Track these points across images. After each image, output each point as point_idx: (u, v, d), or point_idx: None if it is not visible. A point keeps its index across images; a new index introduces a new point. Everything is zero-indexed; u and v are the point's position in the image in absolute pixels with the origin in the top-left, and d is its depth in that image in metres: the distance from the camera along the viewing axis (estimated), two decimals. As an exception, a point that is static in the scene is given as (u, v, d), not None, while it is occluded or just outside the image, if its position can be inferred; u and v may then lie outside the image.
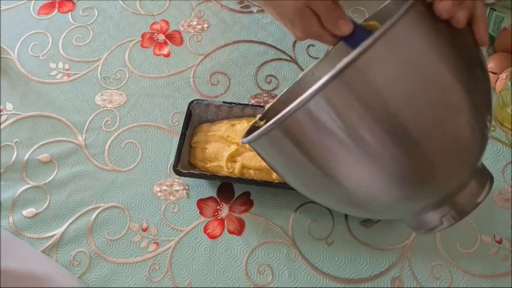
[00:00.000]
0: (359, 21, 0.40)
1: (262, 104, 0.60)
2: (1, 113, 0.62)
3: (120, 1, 0.72)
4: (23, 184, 0.57)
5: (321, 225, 0.52)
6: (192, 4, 0.71)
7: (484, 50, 0.61)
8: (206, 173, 0.53)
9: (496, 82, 0.57)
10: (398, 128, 0.27)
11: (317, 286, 0.49)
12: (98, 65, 0.66)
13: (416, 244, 0.51)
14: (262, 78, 0.63)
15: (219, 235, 0.52)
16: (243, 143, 0.35)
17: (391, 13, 0.36)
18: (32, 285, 0.44)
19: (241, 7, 0.70)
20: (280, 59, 0.64)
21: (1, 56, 0.67)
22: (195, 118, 0.57)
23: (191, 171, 0.53)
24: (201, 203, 0.55)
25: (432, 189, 0.32)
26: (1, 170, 0.58)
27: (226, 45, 0.66)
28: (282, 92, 0.44)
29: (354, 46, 0.38)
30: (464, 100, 0.29)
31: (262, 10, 0.69)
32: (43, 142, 0.60)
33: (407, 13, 0.26)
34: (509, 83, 0.51)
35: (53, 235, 0.54)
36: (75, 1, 0.72)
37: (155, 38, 0.68)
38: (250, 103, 0.60)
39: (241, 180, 0.52)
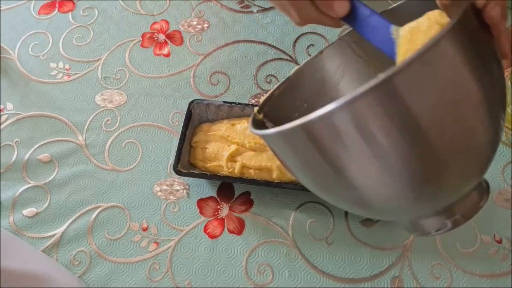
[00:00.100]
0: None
1: (262, 104, 0.60)
2: (2, 112, 0.63)
3: (121, 1, 0.72)
4: (24, 184, 0.57)
5: (321, 225, 0.52)
6: (192, 4, 0.71)
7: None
8: (206, 173, 0.53)
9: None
10: (424, 143, 0.27)
11: (317, 286, 0.49)
12: (98, 65, 0.66)
13: (416, 244, 0.51)
14: (262, 78, 0.63)
15: (219, 235, 0.53)
16: (254, 133, 0.34)
17: (404, 12, 0.35)
18: (32, 284, 0.44)
19: (241, 7, 0.70)
20: (280, 59, 0.64)
21: (2, 56, 0.67)
22: (195, 118, 0.57)
23: (191, 171, 0.53)
24: (201, 202, 0.55)
25: (445, 195, 0.32)
26: (2, 170, 0.58)
27: (226, 45, 0.66)
28: (276, 86, 0.43)
29: (355, 27, 0.37)
30: (486, 112, 0.29)
31: (263, 10, 0.69)
32: (44, 142, 0.60)
33: (454, 27, 0.26)
34: (509, 83, 0.51)
35: (54, 235, 0.54)
36: (75, 1, 0.72)
37: (155, 38, 0.68)
38: (250, 103, 0.60)
39: (241, 179, 0.52)
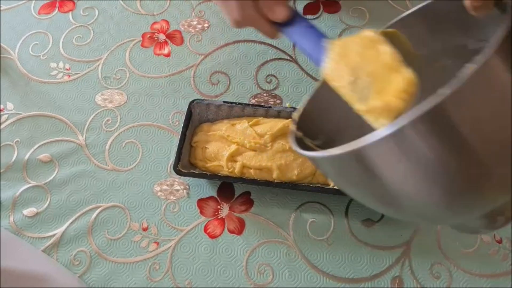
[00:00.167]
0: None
1: (262, 104, 0.60)
2: (2, 112, 0.63)
3: (121, 1, 0.72)
4: (24, 184, 0.57)
5: (321, 225, 0.52)
6: (193, 4, 0.71)
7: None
8: (207, 173, 0.53)
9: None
10: (471, 157, 0.27)
11: (317, 286, 0.49)
12: (98, 65, 0.66)
13: (416, 244, 0.51)
14: (262, 77, 0.63)
15: (220, 235, 0.53)
16: (300, 153, 0.34)
17: (413, 22, 0.35)
18: (33, 284, 0.44)
19: (242, 7, 0.70)
20: (280, 58, 0.64)
21: (2, 55, 0.67)
22: (196, 118, 0.57)
23: (192, 171, 0.53)
24: (201, 202, 0.55)
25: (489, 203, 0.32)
26: (2, 170, 0.58)
27: (226, 44, 0.66)
28: (307, 99, 0.42)
29: (291, 38, 0.39)
30: None
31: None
32: (44, 142, 0.60)
33: (501, 44, 0.26)
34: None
35: (54, 235, 0.54)
36: (75, 1, 0.72)
37: (156, 38, 0.68)
38: (251, 103, 0.60)
39: (241, 179, 0.52)
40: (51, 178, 0.57)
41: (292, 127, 0.39)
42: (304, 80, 0.62)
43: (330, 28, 0.66)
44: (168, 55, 0.66)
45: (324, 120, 0.42)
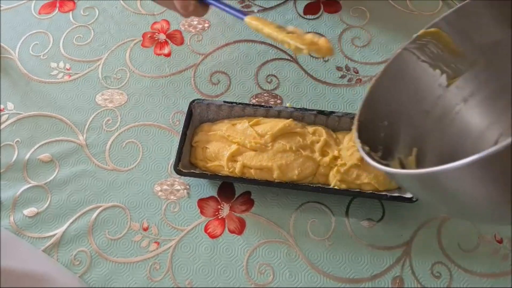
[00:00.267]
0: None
1: (263, 104, 0.60)
2: (2, 112, 0.63)
3: (121, 1, 0.72)
4: (24, 184, 0.57)
5: (321, 225, 0.52)
6: (193, 4, 0.70)
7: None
8: (207, 173, 0.53)
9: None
10: None
11: (318, 286, 0.49)
12: (99, 65, 0.66)
13: (417, 244, 0.51)
14: (262, 77, 0.63)
15: (220, 235, 0.52)
16: (379, 169, 0.34)
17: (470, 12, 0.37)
18: (33, 284, 0.44)
19: (242, 7, 0.70)
20: (280, 58, 0.64)
21: (2, 55, 0.67)
22: (196, 118, 0.57)
23: (192, 171, 0.53)
24: (201, 202, 0.55)
25: None
26: (2, 170, 0.58)
27: (226, 44, 0.66)
28: (359, 111, 0.41)
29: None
30: None
31: (263, 10, 0.69)
32: (44, 142, 0.60)
33: None
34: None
35: (54, 235, 0.54)
36: (76, 1, 0.72)
37: (156, 38, 0.68)
38: (251, 103, 0.60)
39: (241, 179, 0.52)
40: (51, 178, 0.57)
41: (357, 141, 0.38)
42: (304, 80, 0.62)
43: (331, 28, 0.66)
44: (168, 55, 0.66)
45: (377, 129, 0.42)
